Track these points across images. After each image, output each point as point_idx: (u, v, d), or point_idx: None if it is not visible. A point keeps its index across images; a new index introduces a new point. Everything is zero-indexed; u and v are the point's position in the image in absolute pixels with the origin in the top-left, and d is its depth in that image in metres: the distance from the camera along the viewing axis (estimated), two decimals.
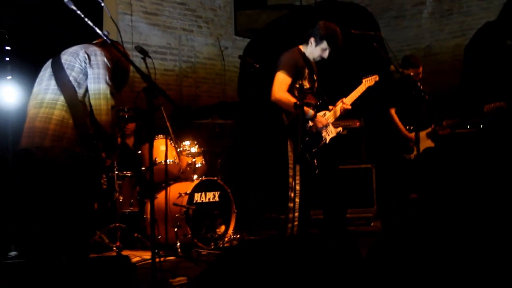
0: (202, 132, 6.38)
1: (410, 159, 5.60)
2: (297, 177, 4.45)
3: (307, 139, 4.48)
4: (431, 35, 8.32)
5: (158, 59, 7.18)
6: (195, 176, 5.44)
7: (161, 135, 5.43)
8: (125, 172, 5.46)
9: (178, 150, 5.46)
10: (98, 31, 3.24)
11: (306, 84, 4.56)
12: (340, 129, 4.73)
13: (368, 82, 4.86)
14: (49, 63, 3.56)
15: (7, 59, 4.94)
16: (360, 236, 5.70)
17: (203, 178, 5.45)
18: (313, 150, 4.48)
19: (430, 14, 8.36)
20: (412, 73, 5.22)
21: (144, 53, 4.14)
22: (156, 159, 5.34)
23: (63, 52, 3.55)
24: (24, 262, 3.40)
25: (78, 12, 3.18)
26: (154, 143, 5.32)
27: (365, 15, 8.28)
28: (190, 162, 5.55)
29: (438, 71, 7.89)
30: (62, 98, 3.38)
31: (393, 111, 5.77)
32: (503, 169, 5.88)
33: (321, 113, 4.60)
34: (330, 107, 4.72)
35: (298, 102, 4.23)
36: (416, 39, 8.44)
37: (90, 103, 3.42)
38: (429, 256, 3.08)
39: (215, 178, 5.55)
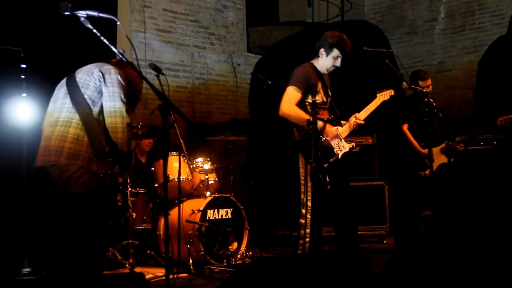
0: (215, 149, 6.40)
1: (425, 175, 5.57)
2: (309, 193, 4.44)
3: (319, 153, 4.45)
4: (444, 51, 8.33)
5: (171, 76, 7.24)
6: (208, 193, 5.44)
7: (174, 152, 5.46)
8: (138, 188, 5.47)
9: (191, 166, 5.47)
10: (114, 49, 3.27)
11: (320, 99, 4.55)
12: (353, 144, 4.67)
13: (382, 96, 4.81)
14: (64, 81, 3.58)
15: (23, 76, 5.01)
16: (372, 253, 5.66)
17: (216, 194, 5.45)
18: (325, 165, 4.45)
19: (442, 30, 8.38)
20: (420, 87, 5.23)
21: (157, 70, 4.17)
22: (169, 175, 5.36)
23: (77, 71, 3.56)
24: (38, 279, 3.41)
25: (94, 30, 3.22)
26: (167, 160, 5.35)
27: (376, 33, 8.30)
28: (203, 178, 5.56)
29: (450, 87, 7.88)
30: (77, 116, 3.39)
31: (405, 128, 5.76)
32: None
33: (333, 128, 4.58)
34: (343, 122, 4.71)
35: (311, 118, 4.23)
36: (428, 55, 8.46)
37: (104, 121, 3.43)
38: (443, 273, 3.05)
39: (228, 195, 5.55)
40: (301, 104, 4.48)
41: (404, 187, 5.90)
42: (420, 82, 5.56)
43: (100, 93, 3.44)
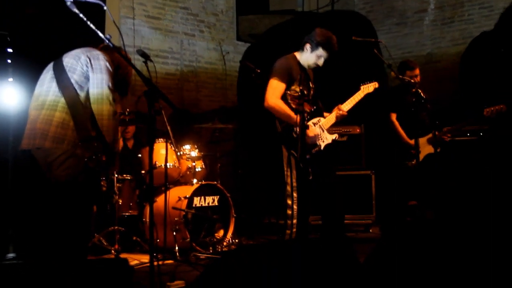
0: (203, 136, 6.40)
1: (412, 165, 5.60)
2: (294, 184, 4.45)
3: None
4: (433, 43, 8.35)
5: (160, 63, 7.21)
6: (195, 180, 5.44)
7: (162, 139, 5.45)
8: (124, 175, 5.46)
9: (178, 154, 5.47)
10: (101, 34, 3.25)
11: (299, 90, 4.50)
12: (335, 136, 4.69)
13: (366, 89, 4.82)
14: (50, 65, 3.57)
15: (9, 61, 4.96)
16: (358, 242, 5.70)
17: (203, 182, 5.45)
18: (307, 156, 4.42)
19: (431, 22, 8.39)
20: (408, 78, 5.24)
21: (145, 56, 4.14)
22: (156, 162, 5.35)
23: (64, 55, 3.56)
24: (22, 263, 3.39)
25: (81, 15, 3.20)
26: (154, 147, 5.34)
27: (365, 24, 8.30)
28: (190, 166, 5.55)
29: (439, 78, 7.91)
30: (63, 100, 3.39)
31: (393, 117, 5.78)
32: (504, 175, 5.90)
33: (315, 120, 4.59)
34: (326, 114, 4.72)
35: (298, 108, 4.24)
36: (417, 46, 8.47)
37: (91, 107, 3.42)
38: (428, 263, 3.08)
39: (215, 182, 5.55)
40: (284, 95, 4.50)
41: (390, 177, 5.94)
42: (408, 72, 5.58)
43: (87, 78, 3.43)
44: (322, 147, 4.53)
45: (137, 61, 4.48)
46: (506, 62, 6.92)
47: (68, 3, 3.17)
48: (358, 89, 4.83)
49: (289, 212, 4.49)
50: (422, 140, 5.69)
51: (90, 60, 3.46)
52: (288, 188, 4.47)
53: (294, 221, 4.49)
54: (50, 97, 3.42)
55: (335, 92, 4.91)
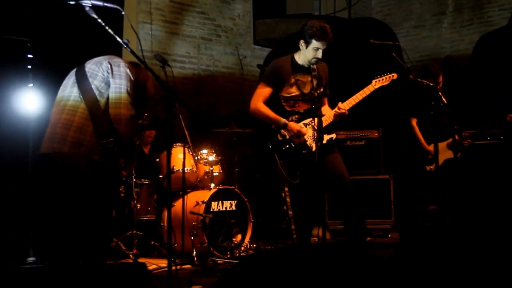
0: (220, 141, 6.40)
1: (430, 170, 5.54)
2: (286, 189, 4.42)
3: (287, 147, 4.37)
4: (451, 45, 8.28)
5: (177, 68, 7.23)
6: (213, 185, 5.45)
7: (179, 143, 5.46)
8: (143, 179, 5.49)
9: (196, 158, 5.48)
10: (119, 39, 3.27)
11: (294, 91, 4.44)
12: (332, 136, 4.44)
13: (379, 82, 4.50)
14: (73, 71, 3.61)
15: (29, 67, 5.02)
16: (377, 247, 5.66)
17: (220, 186, 5.46)
18: (295, 158, 4.35)
19: (450, 24, 8.32)
20: (431, 83, 5.14)
21: (163, 61, 4.17)
22: (174, 167, 5.36)
23: (88, 61, 3.60)
24: (42, 267, 3.42)
25: (99, 20, 3.22)
26: (172, 151, 5.36)
27: (383, 28, 8.25)
28: (207, 170, 5.56)
29: (458, 82, 7.83)
30: (83, 105, 3.43)
31: (414, 122, 5.69)
32: None
33: (307, 120, 4.41)
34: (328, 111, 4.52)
35: (273, 116, 4.29)
36: (435, 49, 8.41)
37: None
38: (447, 268, 3.04)
39: (232, 187, 5.56)
40: (273, 98, 4.43)
41: (409, 181, 5.88)
42: (431, 79, 5.49)
43: (108, 84, 3.47)
44: (313, 149, 4.33)
45: (155, 65, 4.50)
46: None
47: (87, 9, 3.19)
48: (369, 83, 4.54)
49: (287, 218, 4.48)
50: (442, 145, 5.63)
51: (111, 66, 3.50)
52: (283, 194, 4.45)
53: (293, 227, 4.47)
54: (71, 102, 3.46)
55: (351, 94, 4.76)
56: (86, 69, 3.52)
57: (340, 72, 4.66)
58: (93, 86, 3.45)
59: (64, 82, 3.62)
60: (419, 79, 4.87)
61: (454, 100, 5.58)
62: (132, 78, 3.52)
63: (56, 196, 3.47)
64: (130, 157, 3.58)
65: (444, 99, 4.93)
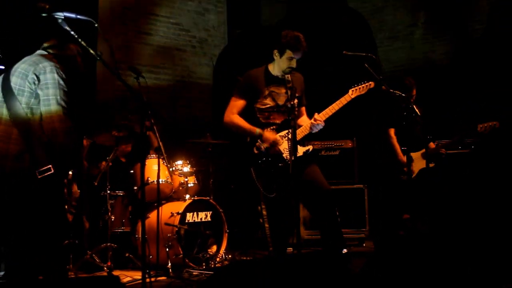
0: (195, 152, 6.39)
1: (405, 179, 5.60)
2: (262, 203, 4.40)
3: (263, 159, 4.32)
4: (424, 56, 8.39)
5: (152, 79, 7.22)
6: (187, 196, 5.43)
7: (154, 155, 5.44)
8: (117, 191, 5.45)
9: (171, 169, 5.46)
10: (92, 51, 3.26)
11: (270, 103, 4.41)
12: (309, 147, 4.38)
13: (356, 91, 4.47)
14: None
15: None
16: (352, 256, 5.68)
17: (196, 197, 5.45)
18: (271, 171, 4.29)
19: (422, 35, 8.45)
20: (404, 95, 5.19)
21: (137, 72, 4.16)
22: (149, 178, 5.34)
23: (13, 70, 3.43)
24: (6, 283, 3.36)
25: (72, 32, 3.20)
26: (146, 163, 5.34)
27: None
28: (182, 181, 5.54)
29: (431, 92, 7.95)
30: (15, 131, 3.29)
31: (392, 132, 5.73)
32: (496, 187, 5.92)
33: (284, 132, 4.36)
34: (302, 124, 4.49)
35: (247, 127, 4.26)
36: (408, 59, 8.51)
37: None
38: (421, 276, 3.08)
39: (208, 198, 5.55)
40: (248, 110, 4.41)
41: (384, 191, 5.94)
42: (405, 93, 5.56)
43: (37, 98, 3.32)
44: (289, 161, 4.17)
45: (129, 76, 4.48)
46: (495, 72, 6.98)
47: (60, 21, 3.17)
48: (346, 93, 4.50)
49: (263, 230, 4.47)
50: (416, 155, 5.69)
51: (37, 77, 3.33)
52: (259, 207, 4.44)
53: (269, 238, 4.46)
54: (2, 127, 3.31)
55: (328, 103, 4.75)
56: (12, 84, 3.33)
57: (313, 81, 4.66)
58: (23, 105, 3.30)
59: None
60: (391, 90, 4.91)
61: (427, 110, 5.66)
62: (62, 82, 3.34)
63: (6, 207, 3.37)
64: (72, 165, 3.48)
65: (417, 110, 5.00)
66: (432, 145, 5.76)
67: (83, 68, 3.70)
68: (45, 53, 3.55)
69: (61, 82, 3.34)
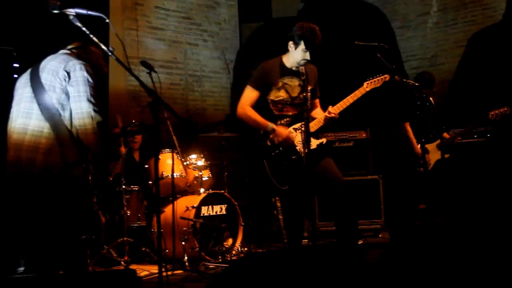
0: (209, 146, 6.41)
1: (421, 171, 5.57)
2: (276, 195, 4.38)
3: (276, 152, 4.31)
4: (437, 45, 8.33)
5: (164, 74, 7.23)
6: (202, 190, 5.45)
7: (168, 149, 5.46)
8: (132, 186, 5.48)
9: (185, 163, 5.48)
10: (104, 47, 3.26)
11: (282, 95, 4.37)
12: (322, 140, 4.38)
13: (371, 84, 4.42)
14: (27, 78, 3.45)
15: (16, 76, 4.99)
16: (368, 247, 5.68)
17: (210, 191, 5.46)
18: (284, 164, 4.28)
19: (434, 24, 8.38)
20: (417, 84, 5.14)
21: (149, 67, 4.17)
22: (163, 173, 5.36)
23: (42, 67, 3.45)
24: (31, 277, 3.40)
25: (83, 28, 3.21)
26: (160, 157, 5.36)
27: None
28: (197, 175, 5.56)
29: (443, 81, 7.89)
30: (47, 125, 3.31)
31: (407, 125, 5.67)
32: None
33: (298, 125, 4.36)
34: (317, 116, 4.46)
35: (261, 121, 4.25)
36: (421, 49, 8.45)
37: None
38: (437, 267, 3.06)
39: (222, 191, 5.56)
40: (260, 102, 4.39)
41: (399, 181, 5.91)
42: (425, 90, 5.52)
43: (68, 94, 3.35)
44: (303, 154, 4.12)
45: (142, 72, 4.50)
46: (505, 61, 6.90)
47: (71, 17, 3.18)
48: (361, 85, 4.46)
49: (278, 222, 4.46)
50: (431, 146, 5.66)
51: (68, 74, 3.36)
52: (273, 199, 4.43)
53: (284, 230, 4.45)
54: (34, 122, 3.32)
55: (341, 97, 4.74)
56: (43, 80, 3.36)
57: (328, 73, 4.60)
58: (54, 100, 3.32)
59: (18, 91, 3.47)
60: (404, 80, 4.86)
61: (440, 100, 5.62)
62: (91, 80, 3.39)
63: (27, 211, 3.39)
64: (101, 167, 3.52)
65: (431, 100, 4.96)
66: (446, 135, 5.73)
67: (106, 69, 3.74)
68: (70, 52, 3.60)
69: (90, 79, 3.40)
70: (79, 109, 3.33)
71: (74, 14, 3.18)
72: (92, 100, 3.37)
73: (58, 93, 3.34)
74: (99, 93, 3.48)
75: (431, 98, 4.99)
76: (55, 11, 3.17)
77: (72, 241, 3.37)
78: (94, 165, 3.42)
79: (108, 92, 6.69)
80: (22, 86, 3.45)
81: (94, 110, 3.36)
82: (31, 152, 3.27)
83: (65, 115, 3.34)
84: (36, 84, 3.37)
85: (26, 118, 3.34)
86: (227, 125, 5.99)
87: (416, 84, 5.03)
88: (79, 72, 3.37)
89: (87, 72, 3.40)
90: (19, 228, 4.25)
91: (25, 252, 4.34)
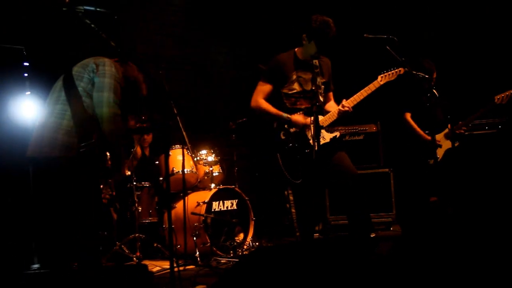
0: (219, 141, 6.42)
1: (431, 163, 5.55)
2: (289, 188, 4.38)
3: (289, 145, 4.32)
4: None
5: (173, 69, 7.22)
6: (213, 185, 5.47)
7: (178, 145, 5.48)
8: (143, 182, 5.51)
9: (195, 159, 5.49)
10: (112, 43, 3.28)
11: (296, 88, 4.38)
12: (336, 134, 4.40)
13: (385, 77, 4.45)
14: (62, 76, 3.60)
15: (26, 74, 5.03)
16: (380, 240, 5.67)
17: (221, 186, 5.48)
18: (297, 157, 4.28)
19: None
20: (426, 76, 5.11)
21: (159, 64, 4.19)
22: (174, 168, 5.38)
23: (76, 65, 3.60)
24: (45, 273, 3.44)
25: (92, 25, 3.23)
26: (171, 153, 5.38)
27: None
28: (207, 171, 5.58)
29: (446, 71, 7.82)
30: (69, 108, 3.42)
31: (408, 116, 5.73)
32: None
33: (301, 118, 4.36)
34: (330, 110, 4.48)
35: (274, 111, 4.25)
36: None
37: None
38: (448, 259, 3.05)
39: (233, 186, 5.57)
40: (274, 95, 4.40)
41: (410, 174, 5.90)
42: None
43: (94, 84, 3.45)
44: (316, 147, 4.10)
45: (151, 68, 4.50)
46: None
47: (80, 14, 3.20)
48: (375, 79, 4.48)
49: (290, 216, 4.46)
50: (440, 136, 5.65)
51: (96, 66, 3.49)
52: (286, 192, 4.43)
53: (295, 225, 4.46)
54: (59, 106, 3.45)
55: (352, 89, 4.70)
56: (73, 72, 3.51)
57: (341, 66, 4.55)
58: (80, 88, 3.44)
59: (53, 86, 3.62)
60: (414, 72, 4.83)
61: (445, 90, 5.58)
62: (118, 75, 3.50)
63: (43, 198, 3.46)
64: (117, 157, 3.57)
65: (436, 93, 4.93)
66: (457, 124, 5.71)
67: (145, 92, 3.79)
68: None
69: (117, 75, 3.50)
70: (100, 98, 3.42)
71: (83, 11, 3.20)
72: (113, 92, 3.45)
73: (85, 82, 3.46)
74: (132, 98, 3.61)
75: (434, 90, 4.95)
76: (64, 9, 3.19)
77: (88, 236, 3.41)
78: (111, 157, 3.47)
79: None
80: (57, 82, 3.61)
81: (114, 101, 3.43)
82: (53, 132, 3.37)
83: (88, 101, 3.43)
84: (67, 77, 3.51)
85: (54, 104, 3.47)
86: (236, 120, 5.98)
87: (426, 76, 5.00)
88: (107, 67, 3.49)
89: (115, 67, 3.52)
90: (33, 222, 4.30)
91: (40, 249, 4.39)
